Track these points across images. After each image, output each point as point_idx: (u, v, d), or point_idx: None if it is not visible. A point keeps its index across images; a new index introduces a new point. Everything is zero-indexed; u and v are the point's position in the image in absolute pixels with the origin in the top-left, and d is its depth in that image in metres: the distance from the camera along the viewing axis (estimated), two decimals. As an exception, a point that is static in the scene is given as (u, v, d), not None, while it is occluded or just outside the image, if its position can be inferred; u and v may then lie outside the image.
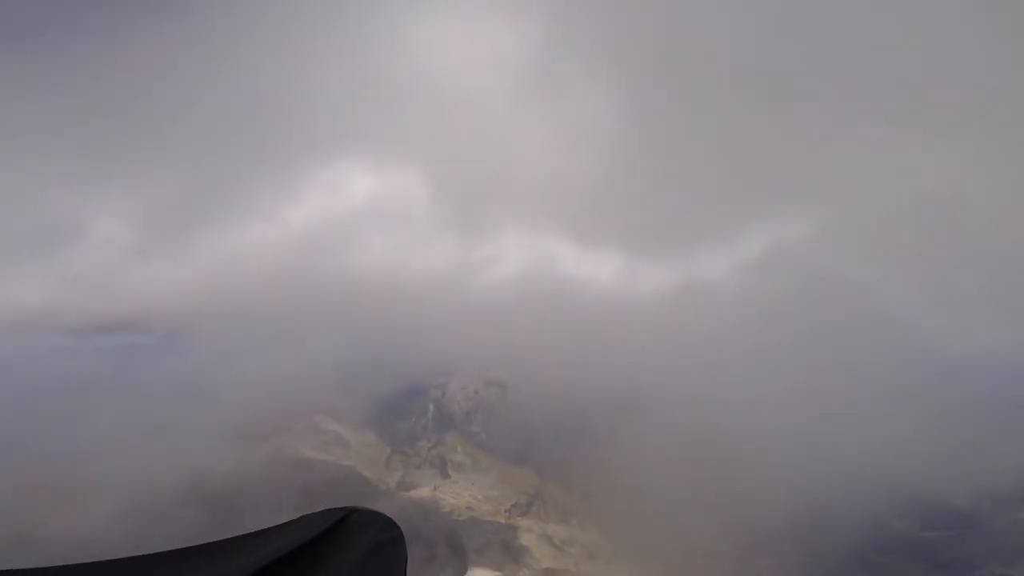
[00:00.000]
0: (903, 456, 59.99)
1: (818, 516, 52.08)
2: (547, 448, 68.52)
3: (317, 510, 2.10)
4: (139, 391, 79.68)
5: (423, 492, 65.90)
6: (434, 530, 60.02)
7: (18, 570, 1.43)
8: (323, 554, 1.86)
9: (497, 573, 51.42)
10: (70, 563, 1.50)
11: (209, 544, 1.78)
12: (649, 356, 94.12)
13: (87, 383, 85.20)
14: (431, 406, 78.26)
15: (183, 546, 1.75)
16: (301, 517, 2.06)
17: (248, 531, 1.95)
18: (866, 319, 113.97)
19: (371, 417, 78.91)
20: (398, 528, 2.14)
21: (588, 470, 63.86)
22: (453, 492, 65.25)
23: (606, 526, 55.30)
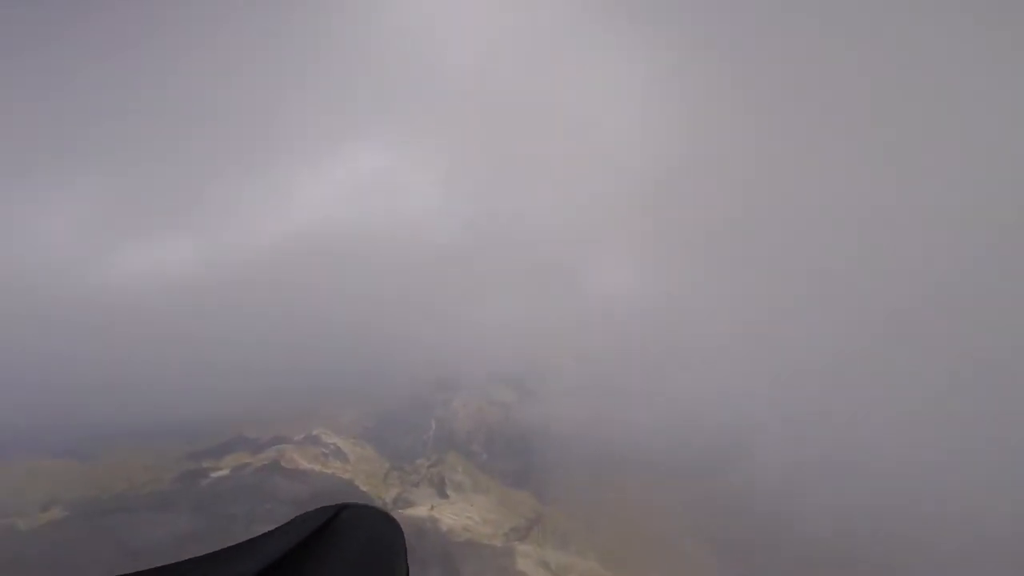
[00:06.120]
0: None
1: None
2: (551, 472, 65.98)
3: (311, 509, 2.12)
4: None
5: (419, 511, 63.61)
6: (429, 550, 57.60)
7: None
8: (320, 552, 1.84)
9: (491, 599, 48.81)
10: None
11: (208, 555, 1.78)
12: (690, 373, 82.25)
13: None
14: (433, 423, 76.46)
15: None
16: (295, 518, 2.09)
17: (238, 537, 1.91)
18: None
19: (370, 430, 77.19)
20: (394, 520, 2.13)
21: (593, 497, 61.14)
22: (451, 512, 62.93)
23: (606, 555, 52.38)
